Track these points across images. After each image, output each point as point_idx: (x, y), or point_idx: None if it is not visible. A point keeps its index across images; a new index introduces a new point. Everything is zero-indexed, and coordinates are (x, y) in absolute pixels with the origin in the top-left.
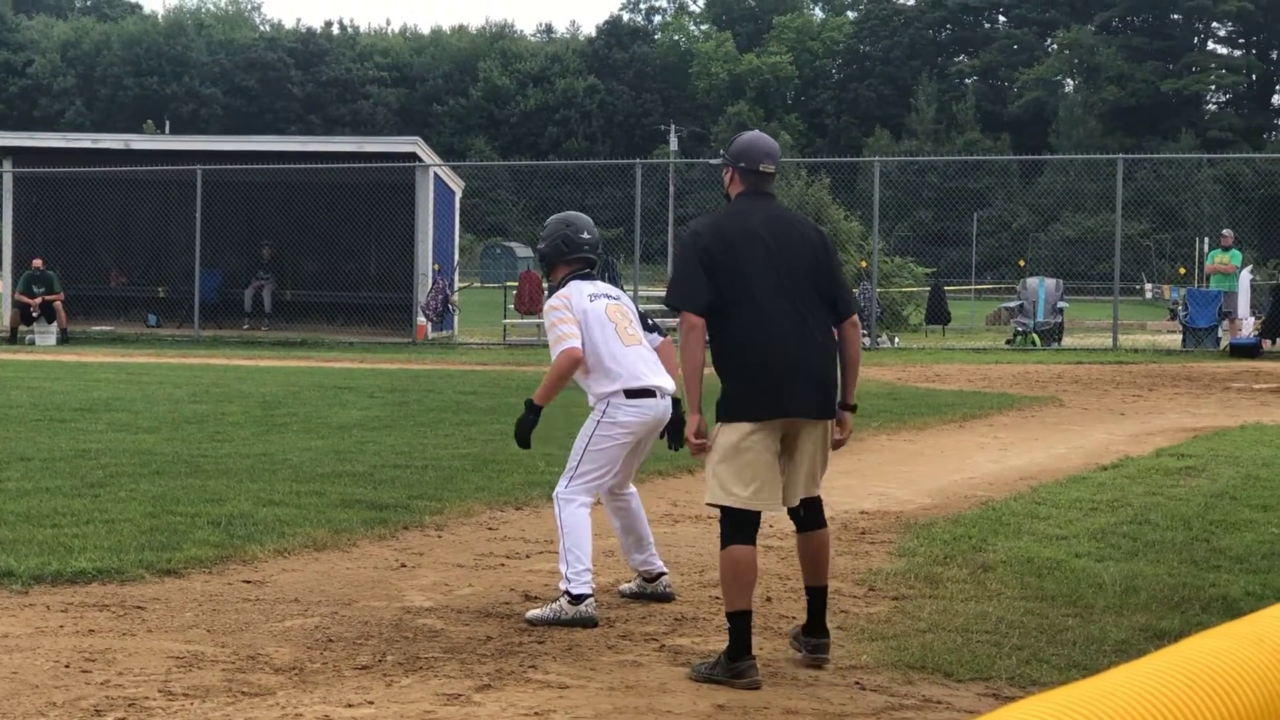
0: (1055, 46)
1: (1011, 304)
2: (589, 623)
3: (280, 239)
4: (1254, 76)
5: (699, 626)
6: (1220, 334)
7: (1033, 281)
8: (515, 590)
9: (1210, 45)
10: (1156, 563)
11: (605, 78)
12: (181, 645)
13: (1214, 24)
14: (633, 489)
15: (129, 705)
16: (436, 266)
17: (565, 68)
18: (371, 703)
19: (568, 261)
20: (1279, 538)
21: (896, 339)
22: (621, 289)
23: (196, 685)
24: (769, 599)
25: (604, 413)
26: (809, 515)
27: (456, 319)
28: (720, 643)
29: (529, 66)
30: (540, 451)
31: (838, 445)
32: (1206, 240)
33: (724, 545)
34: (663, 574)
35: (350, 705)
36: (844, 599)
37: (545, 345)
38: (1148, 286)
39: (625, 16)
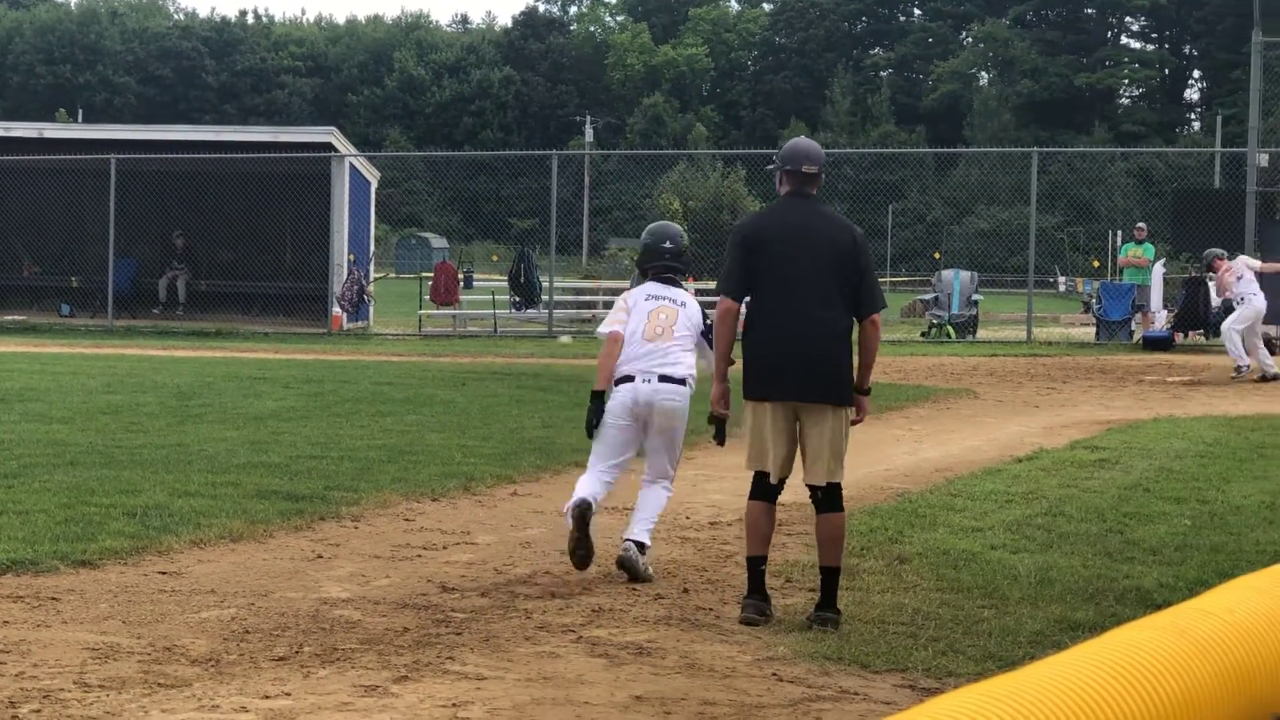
0: (970, 40)
1: (926, 297)
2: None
3: (194, 229)
4: (1166, 71)
5: (616, 618)
6: (1133, 327)
7: (947, 274)
8: (432, 581)
9: (1123, 39)
10: (1071, 554)
11: (521, 69)
12: (97, 637)
13: (1127, 18)
14: (665, 481)
15: (44, 697)
16: (352, 257)
17: (481, 58)
18: (289, 694)
19: (650, 267)
20: (1191, 529)
21: None
22: (536, 279)
23: (112, 677)
24: (685, 590)
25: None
26: (826, 498)
27: (372, 310)
28: (639, 634)
29: (444, 57)
30: None
31: (855, 423)
32: (1120, 233)
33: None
34: (627, 540)
35: (267, 697)
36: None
37: (460, 337)
38: (1062, 279)
39: (541, 7)
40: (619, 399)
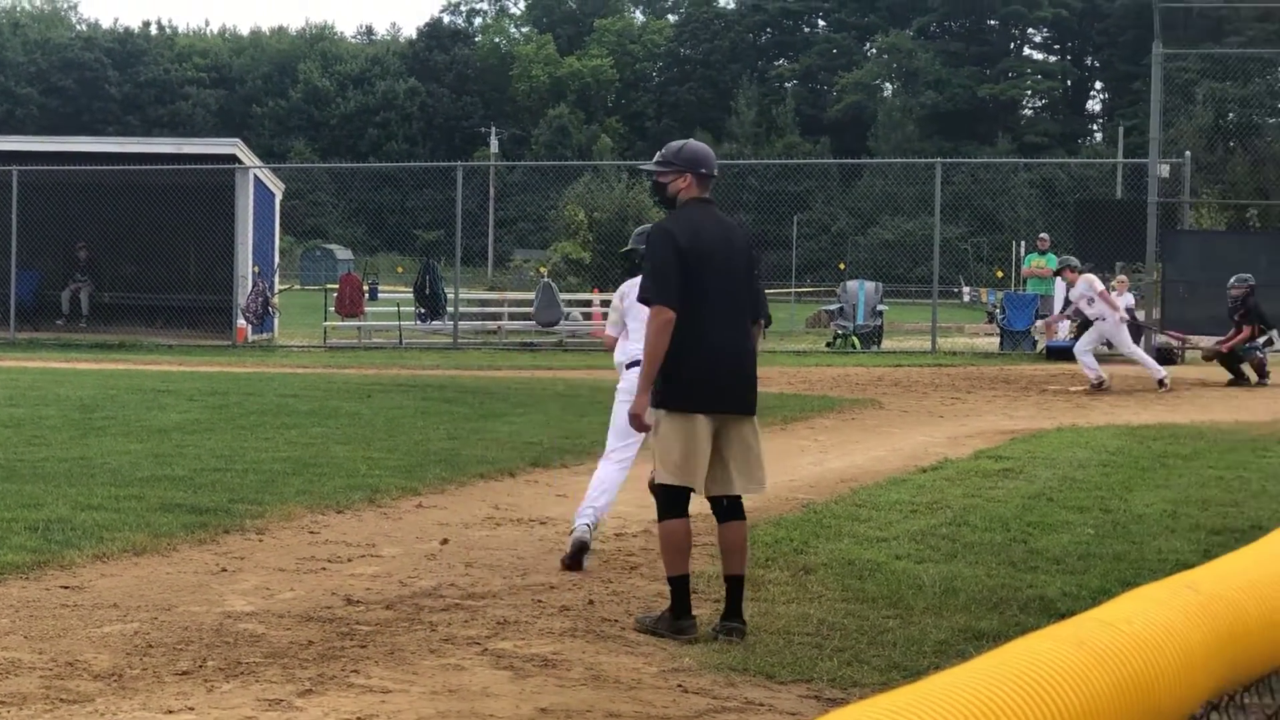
0: (874, 51)
1: (831, 307)
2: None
3: (98, 241)
4: (1069, 82)
5: (521, 630)
6: (1037, 337)
7: (852, 284)
8: (337, 594)
9: (1026, 51)
10: (975, 564)
11: (426, 80)
12: None
13: (1030, 30)
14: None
15: None
16: (256, 269)
17: (386, 69)
18: (192, 709)
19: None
20: (1094, 538)
21: None
22: (441, 291)
23: (14, 693)
24: (591, 602)
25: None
26: (731, 507)
27: (277, 322)
28: (544, 646)
29: (349, 68)
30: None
31: None
32: (1023, 244)
33: (661, 519)
34: (573, 529)
35: (170, 711)
36: (666, 602)
37: (365, 349)
38: (966, 289)
39: (446, 19)
40: (627, 381)
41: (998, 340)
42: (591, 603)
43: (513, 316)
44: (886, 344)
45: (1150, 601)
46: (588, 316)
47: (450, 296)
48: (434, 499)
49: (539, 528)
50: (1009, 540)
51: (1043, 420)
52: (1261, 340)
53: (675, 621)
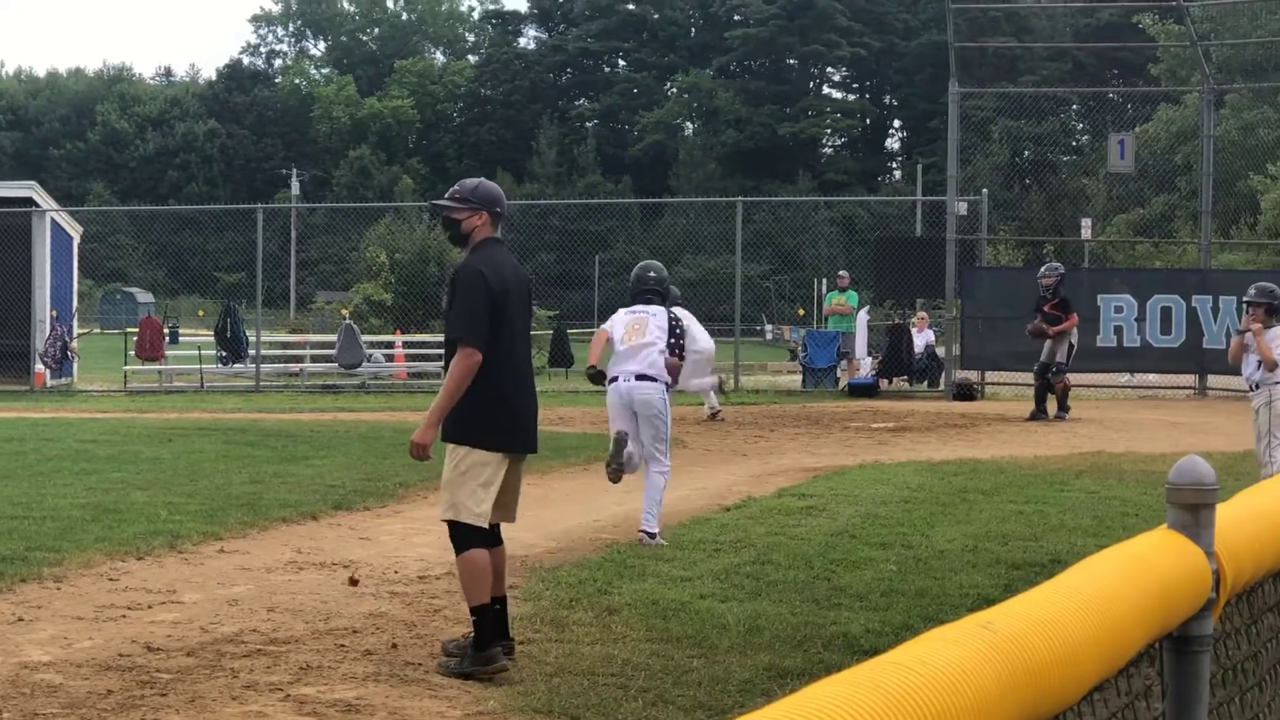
0: (674, 90)
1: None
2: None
3: None
4: (868, 121)
5: (324, 675)
6: (839, 374)
7: None
8: (137, 642)
9: (826, 90)
10: (779, 602)
11: (226, 121)
12: None
13: (829, 69)
14: (656, 463)
15: None
16: (54, 312)
17: (185, 111)
18: None
19: (635, 295)
20: (897, 574)
21: None
22: (243, 333)
23: None
24: (394, 645)
25: None
26: (495, 533)
27: (76, 366)
28: (347, 691)
29: (148, 110)
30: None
31: None
32: (825, 281)
33: (461, 551)
34: (640, 532)
35: None
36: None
37: (167, 392)
38: (768, 327)
39: (245, 60)
40: (610, 398)
41: (800, 378)
42: (395, 646)
43: (315, 359)
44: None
45: (946, 642)
46: (390, 358)
47: (252, 339)
48: (236, 543)
49: (342, 571)
50: (813, 578)
51: (845, 457)
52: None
53: (479, 654)
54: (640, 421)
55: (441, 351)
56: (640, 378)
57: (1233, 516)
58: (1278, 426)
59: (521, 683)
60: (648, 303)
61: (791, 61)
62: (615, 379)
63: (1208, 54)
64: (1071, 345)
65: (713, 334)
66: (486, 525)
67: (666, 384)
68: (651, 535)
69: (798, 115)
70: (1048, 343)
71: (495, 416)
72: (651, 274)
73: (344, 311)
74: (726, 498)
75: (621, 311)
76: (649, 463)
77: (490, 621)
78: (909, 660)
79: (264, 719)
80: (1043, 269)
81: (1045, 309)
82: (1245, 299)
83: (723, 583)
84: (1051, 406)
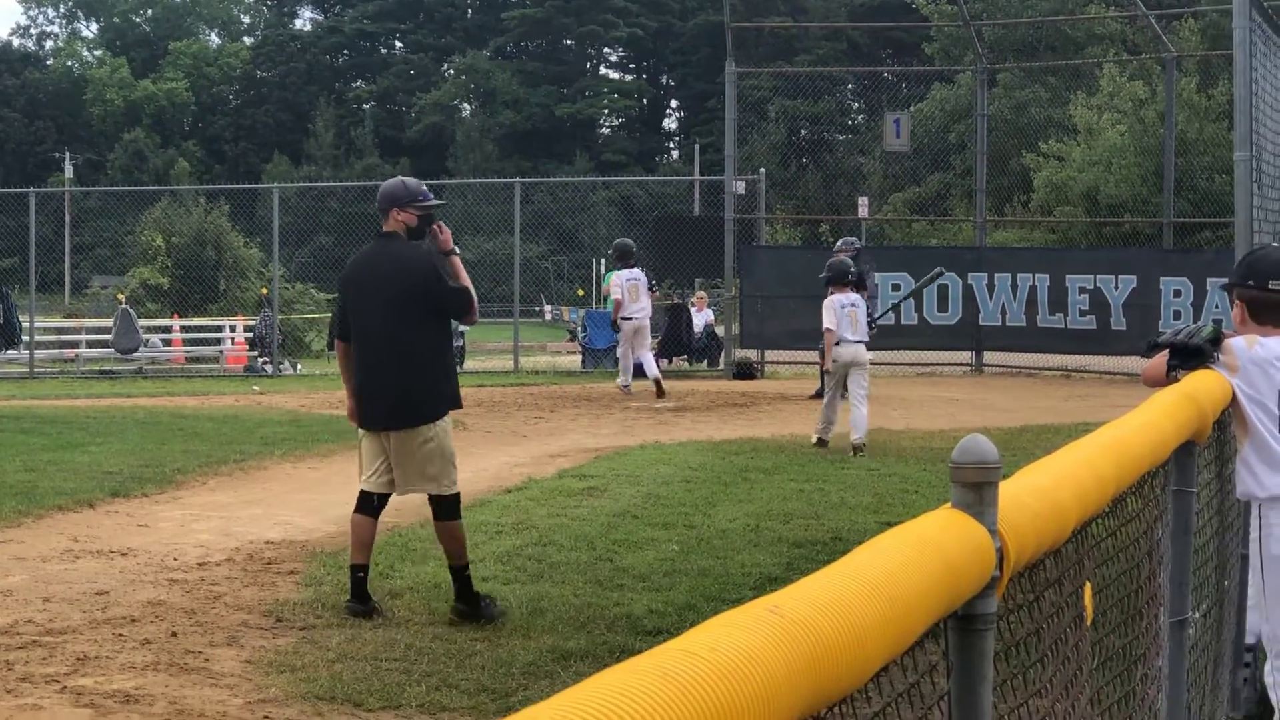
0: (452, 72)
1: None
2: None
3: None
4: (645, 101)
5: (102, 665)
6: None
7: None
8: None
9: (603, 70)
10: (562, 584)
11: None
12: None
13: (606, 49)
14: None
15: None
16: None
17: None
18: None
19: (624, 263)
20: (679, 554)
21: (299, 366)
22: (16, 319)
23: None
24: (174, 634)
25: None
26: (435, 509)
27: None
28: (126, 681)
29: None
30: None
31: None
32: (603, 261)
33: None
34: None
35: None
36: (251, 631)
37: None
38: (548, 308)
39: (15, 42)
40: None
41: (580, 358)
42: (174, 635)
43: (91, 344)
44: (469, 364)
45: (734, 627)
46: (167, 343)
47: (26, 325)
48: (9, 533)
49: (120, 559)
50: (595, 559)
51: (626, 438)
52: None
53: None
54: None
55: (216, 336)
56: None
57: (1014, 494)
58: None
59: (304, 669)
60: (629, 269)
61: (568, 42)
62: (628, 318)
63: (980, 33)
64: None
65: (491, 315)
66: (364, 491)
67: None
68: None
69: (575, 96)
70: None
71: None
72: (634, 247)
73: (120, 296)
74: (508, 480)
75: (621, 279)
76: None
77: (359, 582)
78: (696, 647)
79: (40, 711)
80: (839, 243)
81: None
82: None
83: (505, 565)
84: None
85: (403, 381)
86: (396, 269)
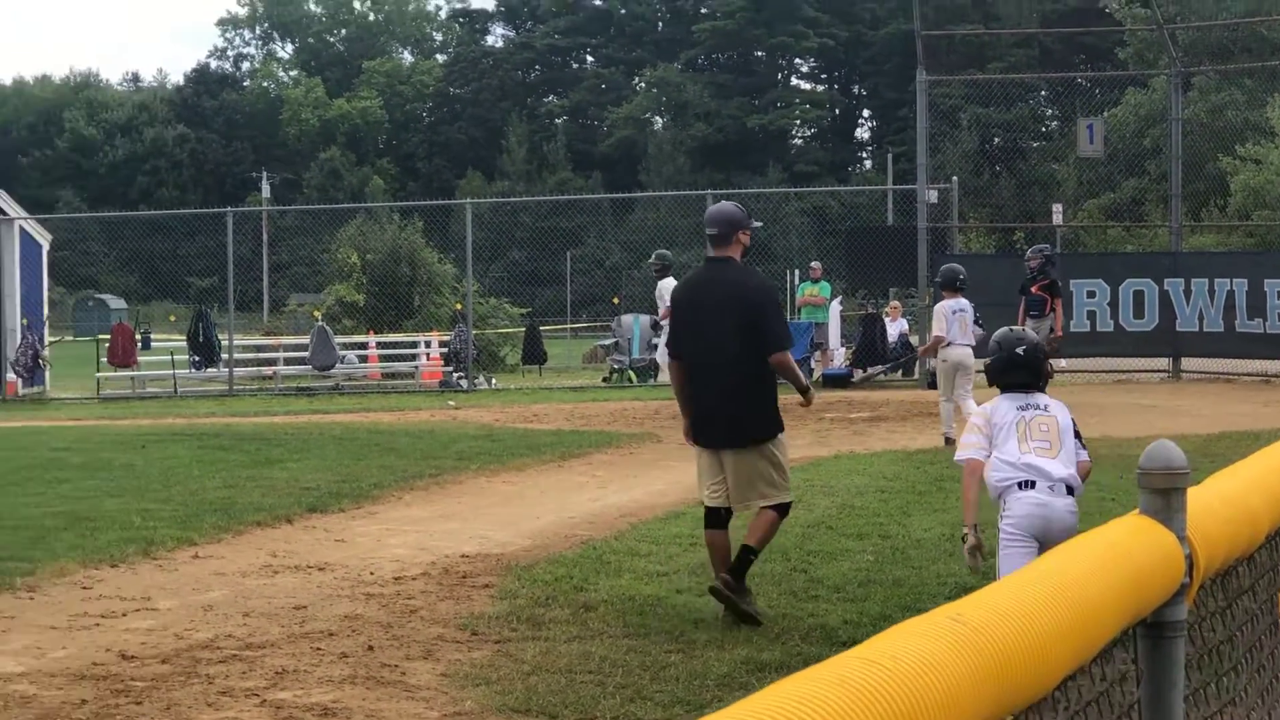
0: (643, 85)
1: (607, 342)
2: None
3: None
4: (837, 111)
5: (300, 679)
6: (813, 365)
7: (627, 319)
8: (111, 650)
9: (794, 81)
10: (757, 595)
11: (195, 126)
12: None
13: (797, 60)
14: None
15: None
16: (25, 321)
17: (154, 116)
18: None
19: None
20: (874, 565)
21: (494, 380)
22: (215, 338)
23: None
24: (370, 648)
25: None
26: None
27: (48, 374)
28: (324, 694)
29: (116, 116)
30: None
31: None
32: (797, 272)
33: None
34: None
35: None
36: (446, 644)
37: (140, 398)
38: None
39: (213, 64)
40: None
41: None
42: (371, 648)
43: (288, 361)
44: (663, 377)
45: (915, 635)
46: (363, 359)
47: (224, 343)
48: (210, 548)
49: (317, 574)
50: (790, 570)
51: (820, 448)
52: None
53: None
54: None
55: (411, 352)
56: None
57: (1204, 500)
58: None
59: (499, 682)
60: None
61: (759, 53)
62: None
63: (1174, 37)
64: (1054, 330)
65: None
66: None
67: None
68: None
69: (766, 107)
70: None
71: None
72: (669, 255)
73: (316, 314)
74: None
75: (668, 283)
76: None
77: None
78: (877, 655)
79: None
80: (1029, 251)
81: (1032, 290)
82: None
83: (699, 577)
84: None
85: (740, 402)
86: (738, 294)
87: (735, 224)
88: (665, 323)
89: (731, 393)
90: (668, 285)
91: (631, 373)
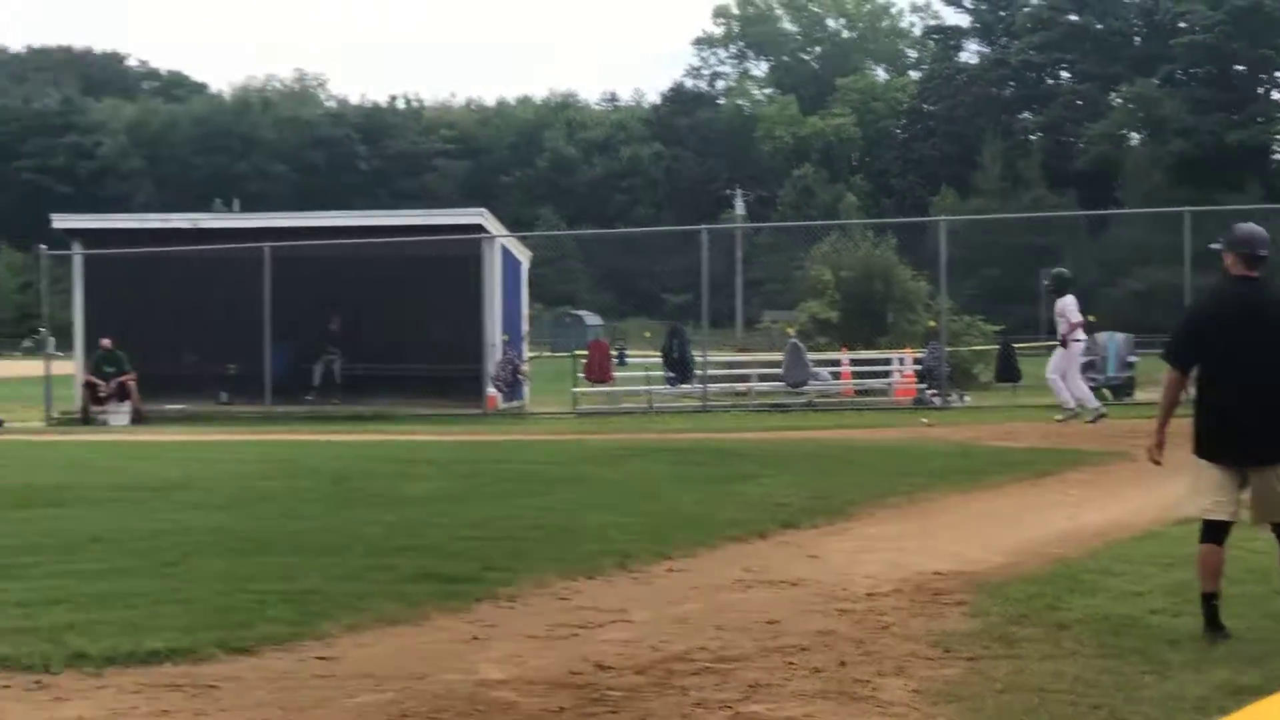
0: (1119, 101)
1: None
2: None
3: (348, 312)
4: None
5: (773, 693)
6: None
7: (1103, 336)
8: (588, 660)
9: (1275, 95)
10: (1236, 617)
11: (670, 144)
12: None
13: (1278, 74)
14: None
15: None
16: (505, 337)
17: (630, 135)
18: None
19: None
20: None
21: (967, 397)
22: (690, 354)
23: None
24: (843, 663)
25: None
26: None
27: (527, 389)
28: (796, 708)
29: (594, 135)
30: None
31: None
32: None
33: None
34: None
35: None
36: (918, 661)
37: (615, 414)
38: None
39: (689, 83)
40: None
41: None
42: (843, 664)
43: (762, 378)
44: (1139, 395)
45: None
46: (836, 376)
47: (699, 359)
48: (685, 562)
49: (790, 589)
50: (1270, 592)
51: None
52: None
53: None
54: None
55: (885, 369)
56: None
57: None
58: None
59: (970, 699)
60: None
61: (1239, 68)
62: None
63: None
64: None
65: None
66: (1217, 520)
67: None
68: None
69: (1246, 122)
70: None
71: (1206, 431)
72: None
73: (789, 330)
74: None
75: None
76: None
77: (1209, 610)
78: None
79: None
80: None
81: None
82: None
83: (1175, 597)
84: None
85: (1272, 419)
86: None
87: (1264, 245)
88: (1077, 336)
89: (1274, 412)
90: (1068, 303)
91: (1107, 391)
